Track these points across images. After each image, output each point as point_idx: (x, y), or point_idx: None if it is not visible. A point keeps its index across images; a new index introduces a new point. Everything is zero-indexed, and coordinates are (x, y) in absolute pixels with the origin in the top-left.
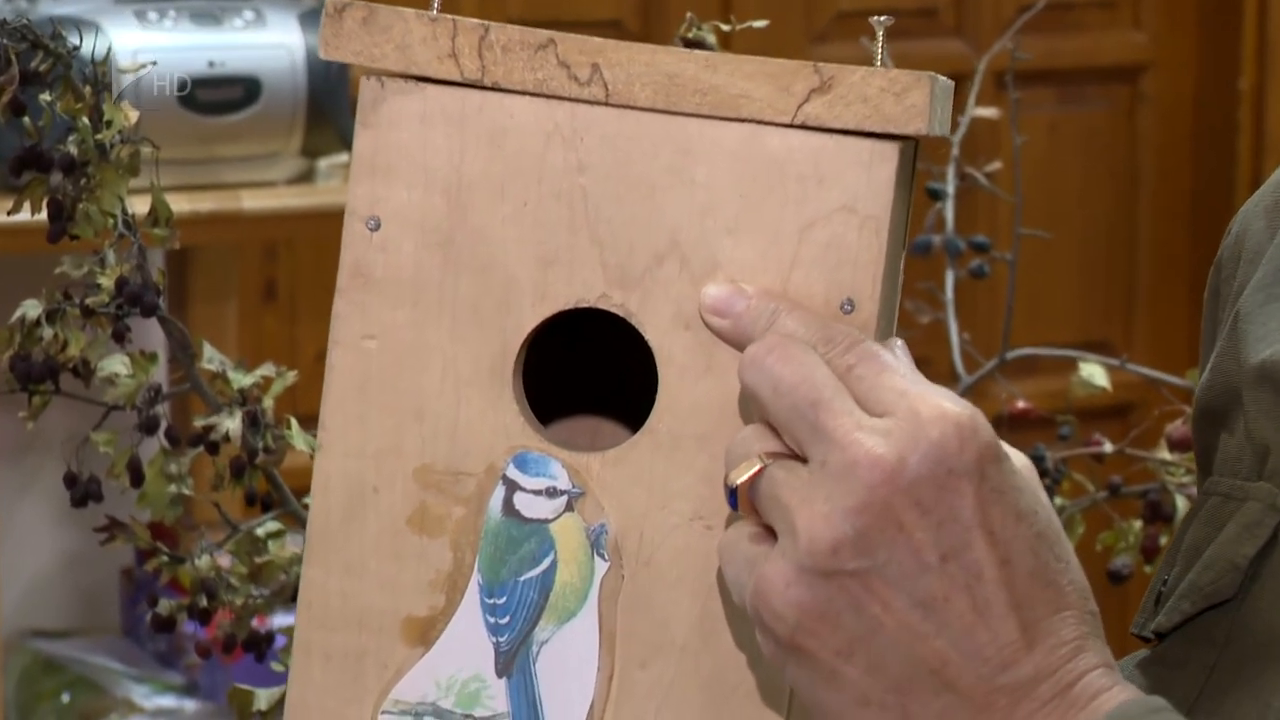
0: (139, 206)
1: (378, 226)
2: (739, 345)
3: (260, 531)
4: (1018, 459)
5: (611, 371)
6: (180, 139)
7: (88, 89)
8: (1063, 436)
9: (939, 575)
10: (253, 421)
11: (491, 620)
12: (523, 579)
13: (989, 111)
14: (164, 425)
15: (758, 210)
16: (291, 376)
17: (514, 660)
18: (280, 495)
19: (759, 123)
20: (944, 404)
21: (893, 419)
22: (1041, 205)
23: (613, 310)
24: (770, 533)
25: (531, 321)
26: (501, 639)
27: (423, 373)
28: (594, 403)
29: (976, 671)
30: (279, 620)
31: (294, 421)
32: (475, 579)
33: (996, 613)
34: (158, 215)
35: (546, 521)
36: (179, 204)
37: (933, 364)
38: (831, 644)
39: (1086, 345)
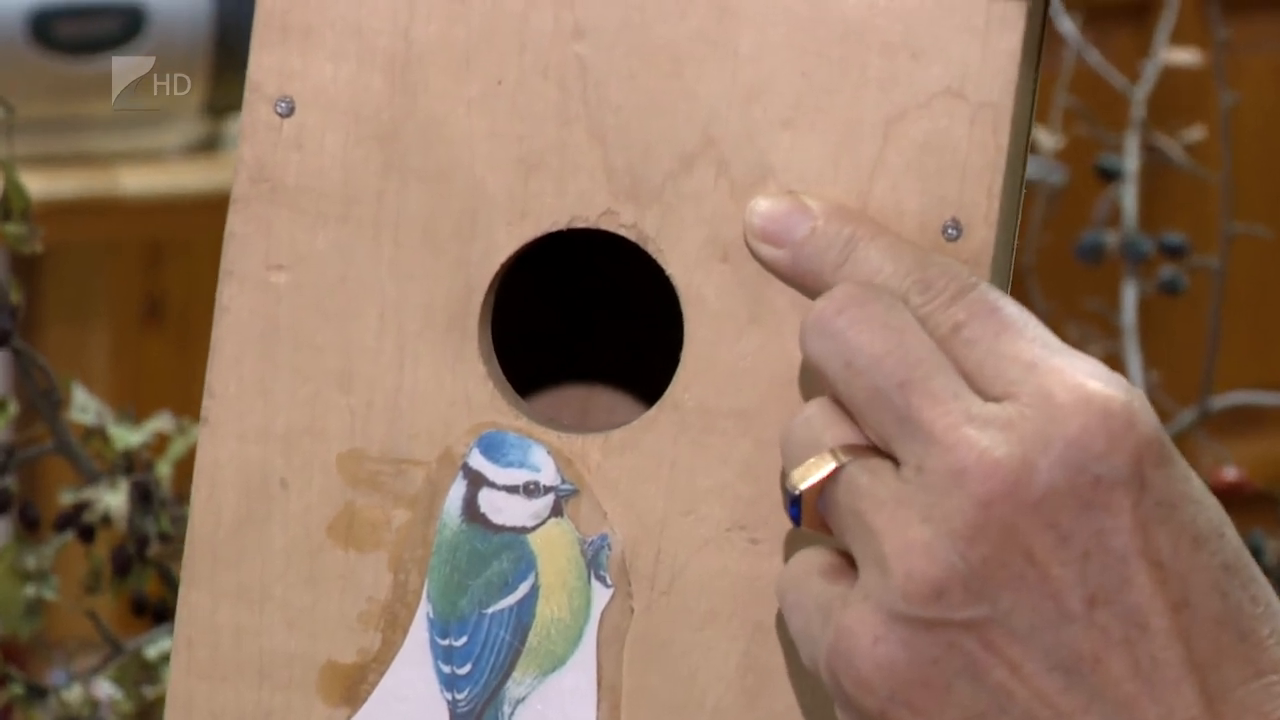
0: None
1: (290, 111)
2: (800, 285)
3: (152, 652)
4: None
5: (616, 321)
6: (31, 91)
7: None
8: None
9: (1085, 626)
10: (143, 496)
11: (447, 669)
12: (490, 612)
13: (1187, 56)
14: (17, 501)
15: (826, 95)
16: (196, 432)
17: None
18: None
19: None
20: (1087, 383)
21: (1016, 404)
22: (1263, 190)
23: (620, 233)
24: (851, 562)
25: (506, 249)
26: (460, 695)
27: (353, 320)
28: (590, 366)
29: None
30: None
31: None
32: (424, 611)
33: (1168, 677)
34: (10, 205)
35: (524, 530)
36: (30, 185)
37: None
38: None
39: None
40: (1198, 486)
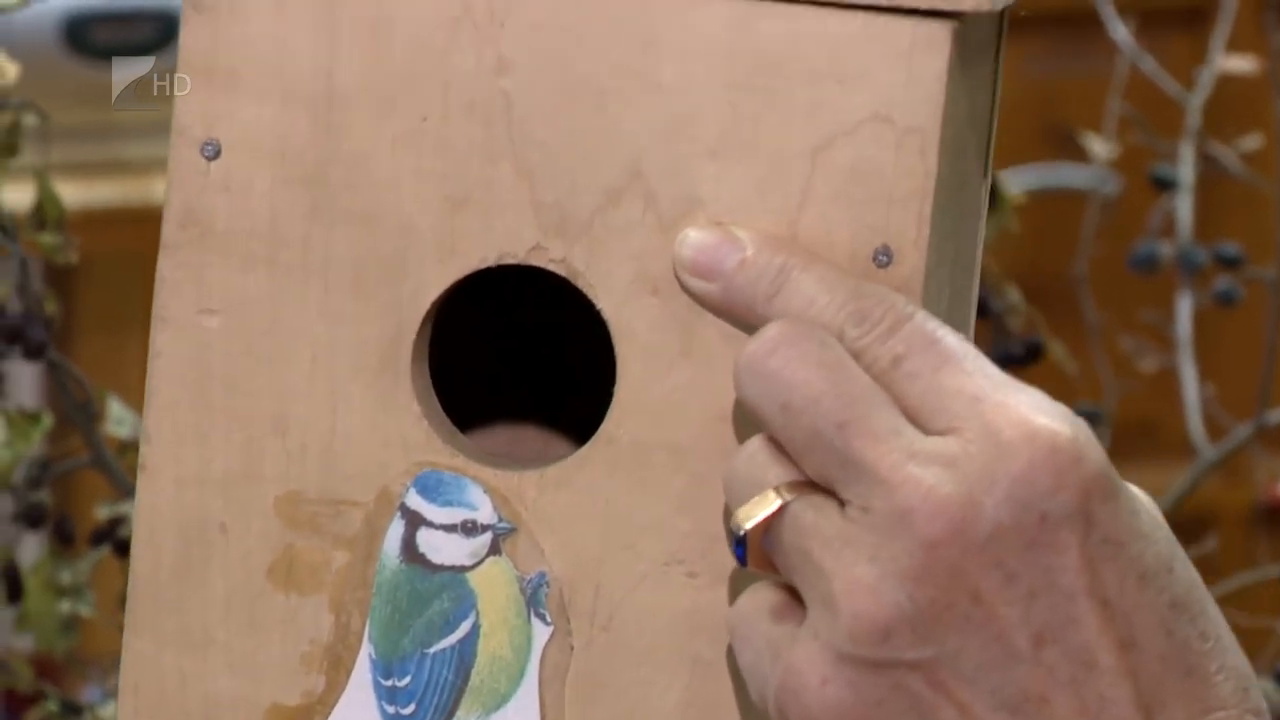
0: (11, 199)
1: (216, 154)
2: (732, 317)
3: None
4: (1135, 490)
5: (548, 358)
6: (66, 98)
7: None
8: None
9: (1032, 666)
10: None
11: (391, 710)
12: (433, 651)
13: (1244, 63)
14: (52, 516)
15: (752, 124)
16: None
17: None
18: None
19: None
20: (1033, 417)
21: (960, 439)
22: None
23: (550, 269)
24: (799, 600)
25: (436, 288)
26: None
27: (285, 363)
28: (522, 402)
29: None
30: None
31: None
32: (366, 652)
33: (1116, 715)
34: (45, 214)
35: (464, 569)
36: (65, 194)
37: (1160, 428)
38: None
39: None
40: (1146, 520)
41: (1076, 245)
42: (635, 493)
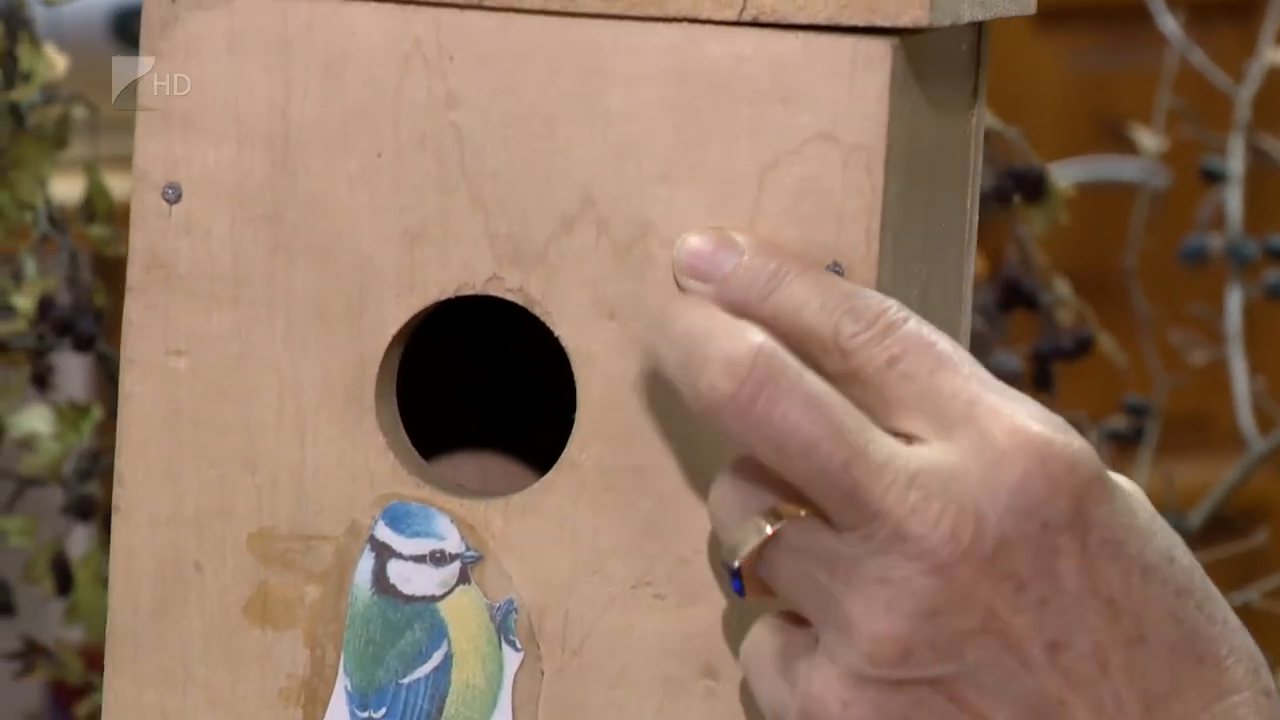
0: (61, 192)
1: (178, 198)
2: None
3: None
4: (1127, 486)
5: (510, 386)
6: (109, 90)
7: None
8: None
9: (1048, 672)
10: None
11: None
12: (408, 681)
13: None
14: (101, 508)
15: (699, 147)
16: None
17: None
18: None
19: (693, 22)
20: (1027, 425)
21: (957, 449)
22: None
23: (507, 297)
24: (804, 624)
25: (396, 320)
26: None
27: (253, 399)
28: (486, 431)
29: None
30: None
31: None
32: (342, 684)
33: (1132, 713)
34: (94, 207)
35: (434, 599)
36: (114, 186)
37: (1210, 421)
38: None
39: None
40: (1143, 516)
41: (1126, 238)
42: (601, 517)
